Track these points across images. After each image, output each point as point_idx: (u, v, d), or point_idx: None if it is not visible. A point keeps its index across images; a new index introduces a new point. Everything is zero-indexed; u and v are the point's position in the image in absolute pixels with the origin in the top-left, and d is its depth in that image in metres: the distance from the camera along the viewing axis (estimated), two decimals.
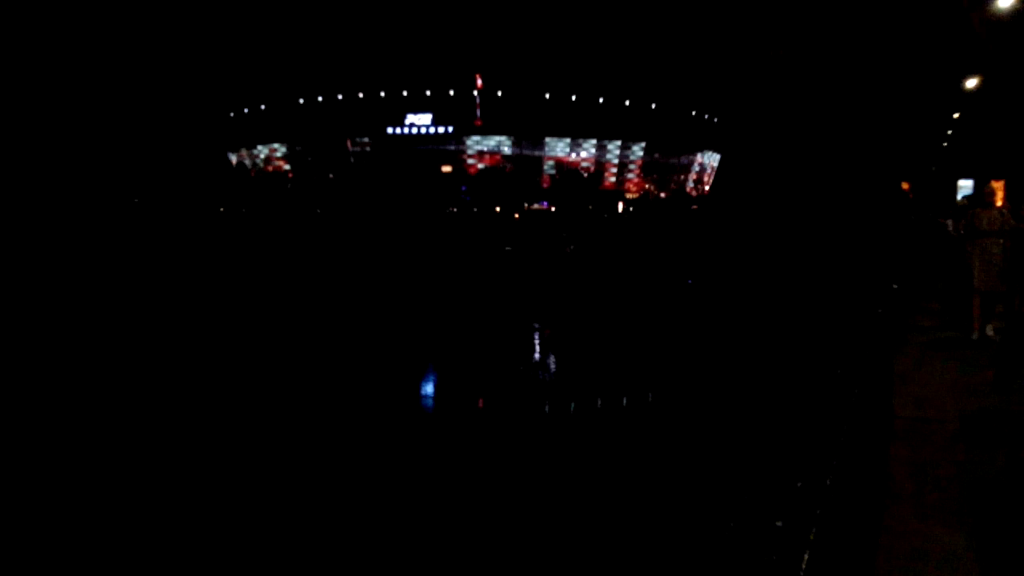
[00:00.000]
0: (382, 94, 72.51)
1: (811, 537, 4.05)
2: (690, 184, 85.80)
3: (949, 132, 43.81)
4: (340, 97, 73.10)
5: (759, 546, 4.01)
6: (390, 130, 73.46)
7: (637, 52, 72.16)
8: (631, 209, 69.52)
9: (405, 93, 72.64)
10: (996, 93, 32.00)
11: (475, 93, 72.37)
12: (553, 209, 64.40)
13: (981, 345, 8.33)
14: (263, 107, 75.52)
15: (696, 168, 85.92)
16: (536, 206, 67.71)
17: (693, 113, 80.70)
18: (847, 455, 5.45)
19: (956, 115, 38.48)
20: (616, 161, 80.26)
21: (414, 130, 73.77)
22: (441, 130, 73.49)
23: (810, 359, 8.35)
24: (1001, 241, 8.32)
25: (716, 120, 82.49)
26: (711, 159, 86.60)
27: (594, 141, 77.82)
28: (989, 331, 8.59)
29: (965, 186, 26.77)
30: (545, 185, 75.63)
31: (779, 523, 4.28)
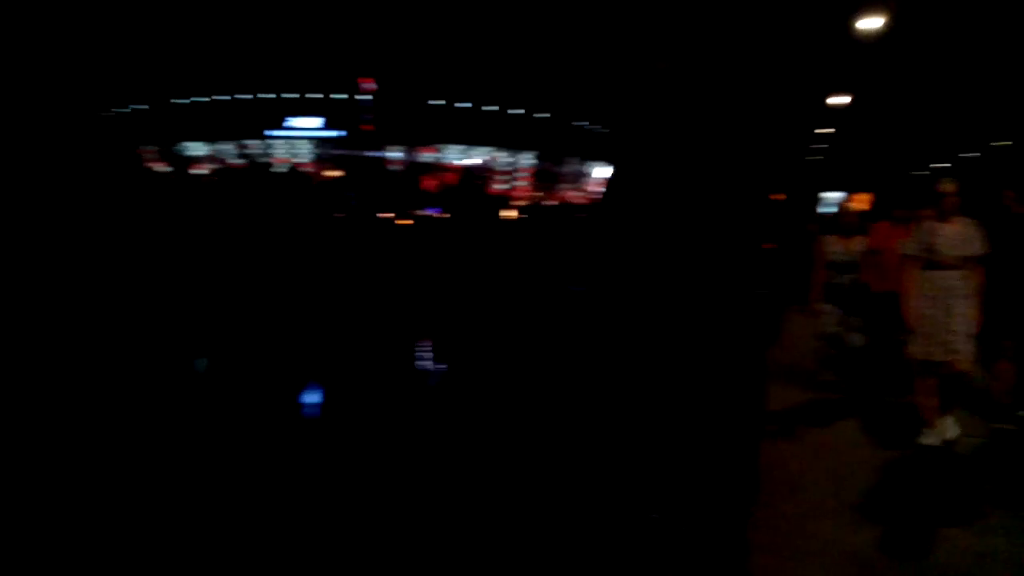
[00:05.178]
0: (268, 96, 70.60)
1: (682, 530, 4.13)
2: (577, 193, 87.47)
3: (816, 146, 46.35)
4: (219, 98, 70.71)
5: (632, 538, 4.06)
6: (271, 133, 71.31)
7: (531, 64, 73.11)
8: (521, 216, 70.25)
9: (292, 95, 71.11)
10: (864, 110, 34.15)
11: (367, 98, 71.51)
12: (443, 215, 64.30)
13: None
14: (136, 107, 72.11)
15: (583, 177, 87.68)
16: (428, 212, 67.43)
17: (582, 124, 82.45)
18: (717, 451, 5.61)
19: (825, 130, 40.76)
20: (508, 169, 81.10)
21: (300, 134, 72.18)
22: (330, 134, 72.18)
23: (687, 358, 8.54)
24: (960, 274, 5.34)
25: (604, 131, 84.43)
26: (597, 169, 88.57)
27: (487, 149, 78.39)
28: (950, 431, 5.52)
29: (830, 197, 28.34)
30: (437, 192, 75.47)
31: (655, 515, 4.35)
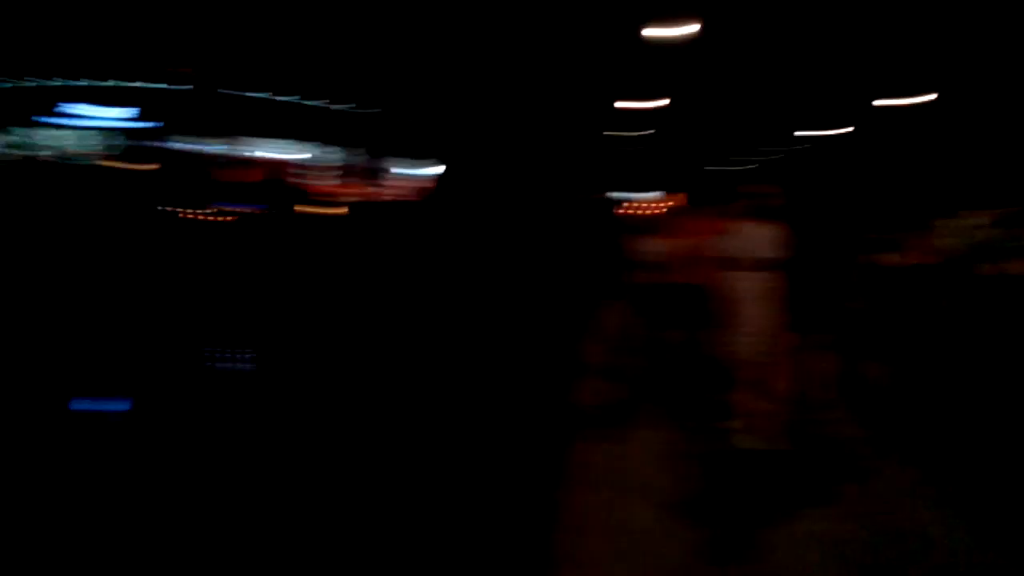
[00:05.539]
0: (51, 83, 63.89)
1: (492, 512, 4.27)
2: (407, 191, 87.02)
3: (633, 147, 48.62)
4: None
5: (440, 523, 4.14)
6: (54, 120, 64.24)
7: (360, 59, 71.84)
8: (351, 212, 68.86)
9: (98, 84, 65.46)
10: (675, 112, 36.16)
11: (185, 88, 67.27)
12: (266, 212, 61.83)
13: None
14: None
15: (408, 174, 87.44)
16: (250, 209, 64.48)
17: (416, 123, 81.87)
18: (528, 438, 5.81)
19: (643, 132, 42.85)
20: (337, 165, 79.23)
21: (109, 124, 66.67)
22: (144, 126, 67.20)
23: (501, 352, 8.70)
24: (764, 275, 5.31)
25: (436, 129, 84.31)
26: (427, 167, 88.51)
27: (314, 144, 76.13)
28: (756, 425, 5.47)
29: (644, 197, 30.11)
30: (261, 187, 72.25)
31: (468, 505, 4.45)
